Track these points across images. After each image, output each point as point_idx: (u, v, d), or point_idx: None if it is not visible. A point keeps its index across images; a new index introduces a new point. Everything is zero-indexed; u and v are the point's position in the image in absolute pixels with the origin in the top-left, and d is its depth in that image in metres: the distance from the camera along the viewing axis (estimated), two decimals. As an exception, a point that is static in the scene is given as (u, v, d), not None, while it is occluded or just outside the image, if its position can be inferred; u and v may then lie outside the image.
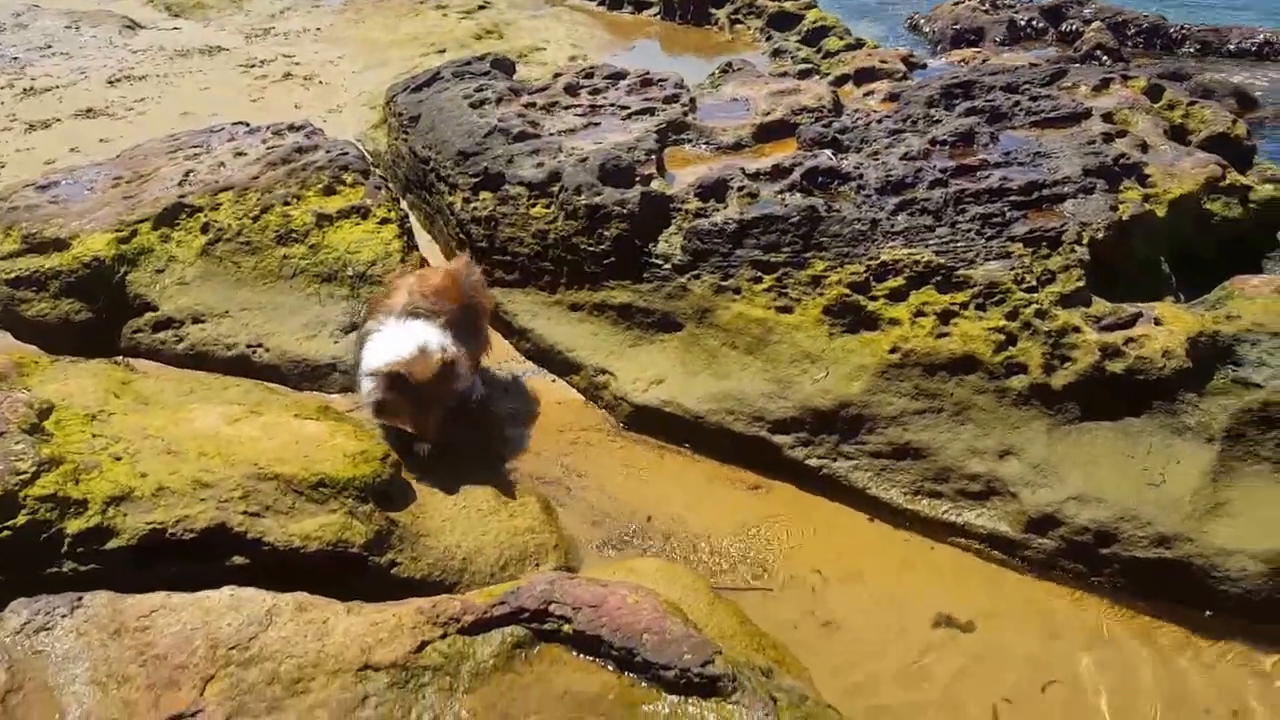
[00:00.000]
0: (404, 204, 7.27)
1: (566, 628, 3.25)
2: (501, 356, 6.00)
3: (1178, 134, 6.65)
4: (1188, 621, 4.10)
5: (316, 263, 6.22)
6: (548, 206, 6.02)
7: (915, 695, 3.82)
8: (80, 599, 3.37)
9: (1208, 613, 4.08)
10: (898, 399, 4.88)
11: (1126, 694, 3.80)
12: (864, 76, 7.94)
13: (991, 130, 6.22)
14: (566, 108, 7.24)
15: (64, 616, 3.31)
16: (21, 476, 3.78)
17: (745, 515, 4.79)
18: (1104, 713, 3.73)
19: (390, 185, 7.28)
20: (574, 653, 3.22)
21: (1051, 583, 4.35)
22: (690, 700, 3.01)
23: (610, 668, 3.17)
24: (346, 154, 7.01)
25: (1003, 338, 4.84)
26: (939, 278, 5.08)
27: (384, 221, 6.41)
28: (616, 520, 4.74)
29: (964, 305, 4.99)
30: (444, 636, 3.25)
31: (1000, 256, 5.12)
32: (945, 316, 4.99)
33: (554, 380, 5.82)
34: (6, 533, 3.67)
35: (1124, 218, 5.28)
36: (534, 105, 7.27)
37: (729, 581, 4.36)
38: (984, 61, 8.51)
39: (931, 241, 5.24)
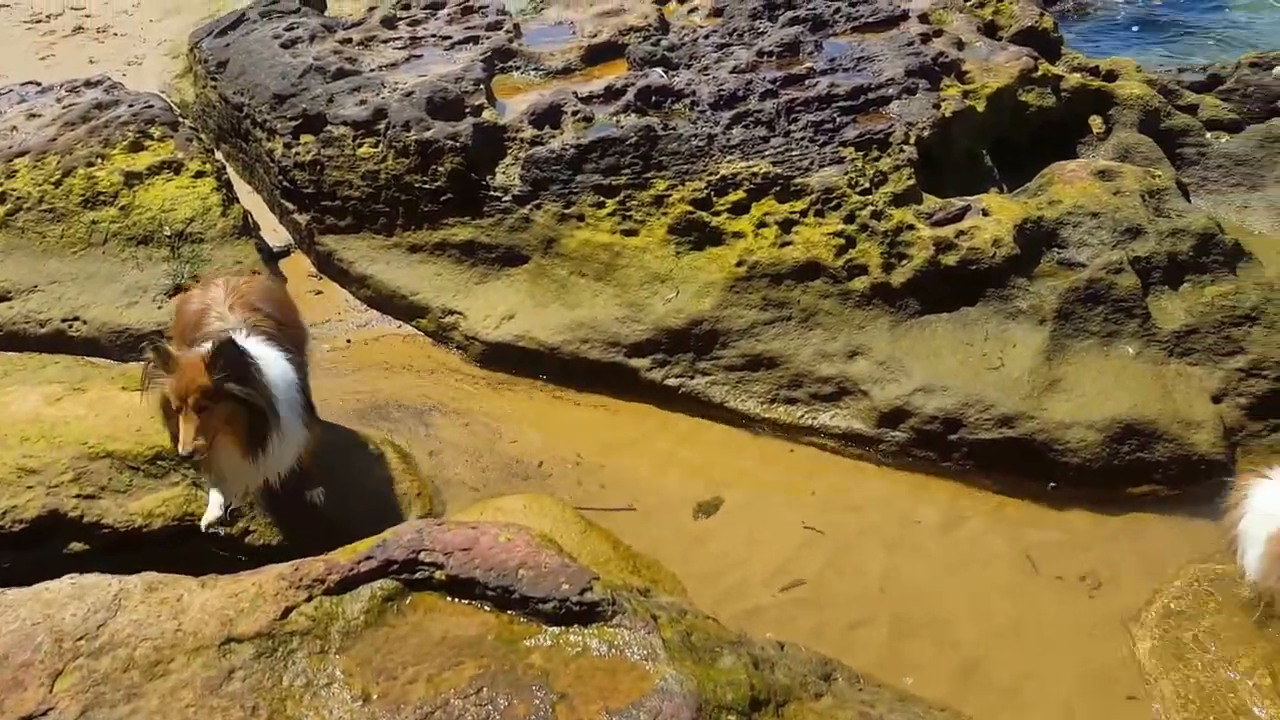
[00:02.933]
0: (219, 155, 6.80)
1: (439, 574, 3.17)
2: (341, 307, 5.75)
3: (990, 30, 6.88)
4: (1034, 495, 4.36)
5: (129, 225, 5.76)
6: (375, 145, 5.74)
7: (787, 594, 3.94)
8: (-104, 610, 3.07)
9: (1051, 485, 4.35)
10: (748, 311, 4.95)
11: (983, 568, 4.04)
12: (689, -10, 7.85)
13: (815, 38, 6.28)
14: (385, 41, 6.88)
15: (-121, 632, 3.01)
16: None
17: (609, 439, 4.81)
18: (965, 587, 3.95)
19: (203, 136, 6.80)
20: (449, 598, 3.15)
21: (906, 472, 4.56)
22: (572, 629, 3.00)
23: (488, 608, 3.12)
24: (152, 106, 6.48)
25: (843, 241, 4.96)
26: (778, 188, 5.14)
27: (199, 175, 5.98)
28: (482, 458, 4.66)
29: (803, 213, 5.07)
30: (309, 599, 3.12)
31: (834, 162, 5.22)
32: (786, 225, 5.06)
33: (400, 326, 5.63)
34: None
35: (947, 114, 5.45)
36: (350, 41, 6.88)
37: (599, 505, 4.36)
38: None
39: (768, 152, 5.28)
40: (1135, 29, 11.25)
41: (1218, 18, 11.60)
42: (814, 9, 6.74)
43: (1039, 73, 5.99)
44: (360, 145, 5.78)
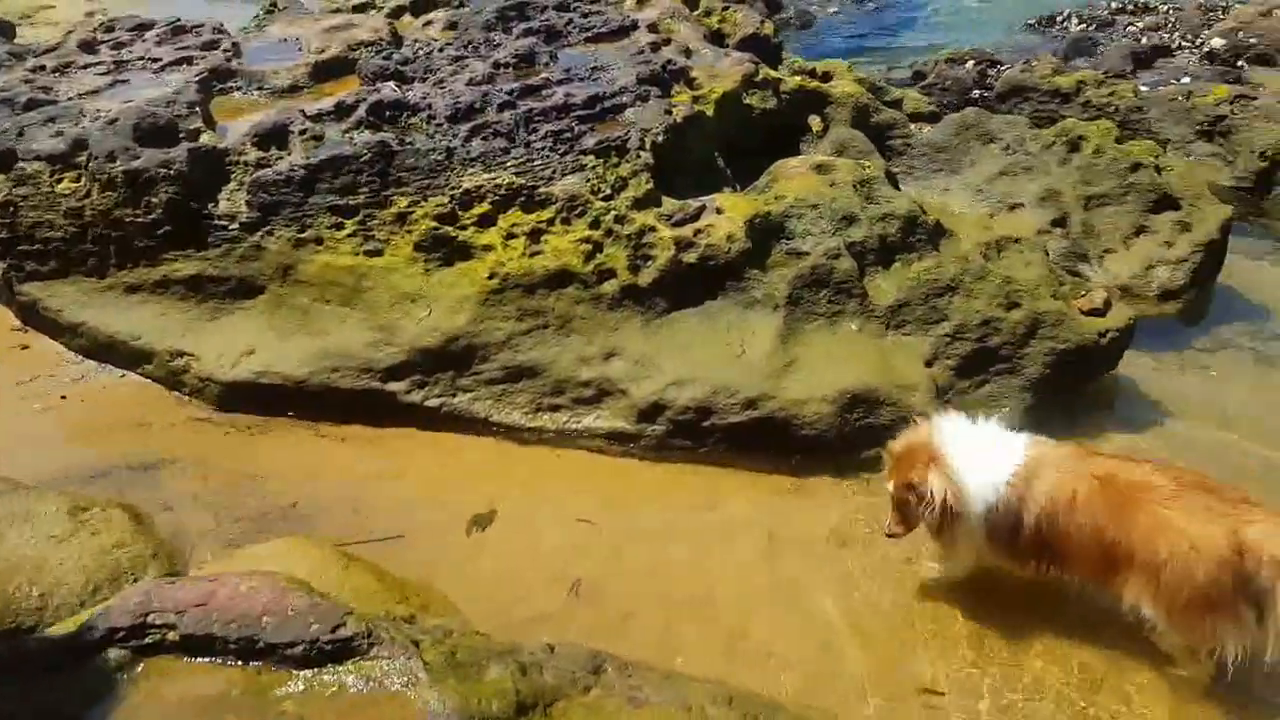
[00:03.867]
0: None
1: (171, 635, 2.91)
2: (53, 360, 5.19)
3: (716, 38, 7.21)
4: (783, 469, 4.58)
5: None
6: (77, 180, 5.23)
7: (565, 595, 3.92)
8: None
9: (796, 458, 4.60)
10: (505, 323, 4.91)
11: (740, 543, 4.20)
12: (420, 7, 7.73)
13: (550, 49, 6.34)
14: (85, 67, 6.31)
15: None
16: None
17: (372, 469, 4.62)
18: (725, 563, 4.09)
19: None
20: (185, 658, 2.90)
21: (668, 463, 4.66)
22: (325, 669, 2.84)
23: (232, 662, 2.90)
24: None
25: (590, 247, 5.01)
26: (523, 198, 5.13)
27: None
28: (230, 508, 4.33)
29: (550, 221, 5.09)
30: (23, 686, 2.78)
31: (576, 170, 5.27)
32: (535, 235, 5.06)
33: (124, 375, 5.15)
34: None
35: (679, 120, 5.63)
36: (43, 69, 6.26)
37: (363, 539, 4.16)
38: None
39: (509, 163, 5.26)
40: (852, 33, 12.21)
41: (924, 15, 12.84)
42: (547, 20, 6.80)
43: (760, 76, 6.32)
44: (59, 181, 5.25)
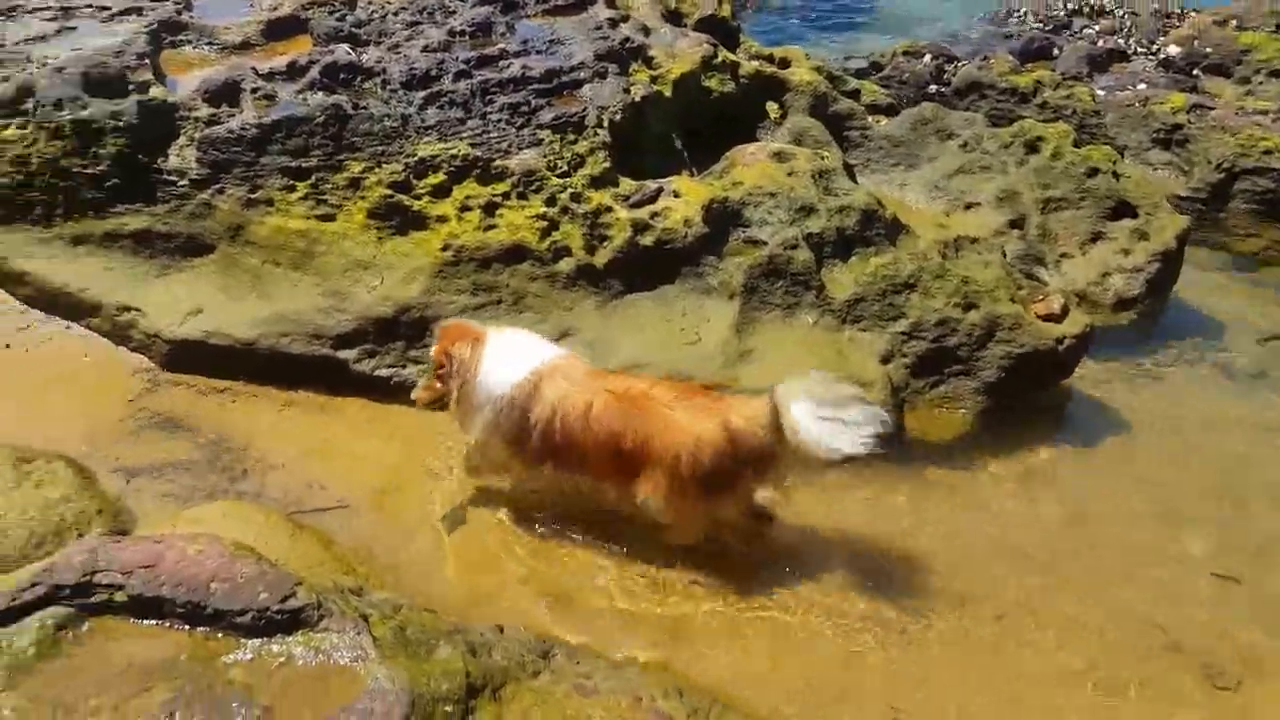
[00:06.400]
0: None
1: (119, 595, 2.92)
2: (-3, 308, 5.10)
3: (674, 17, 7.20)
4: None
5: None
6: (24, 127, 5.09)
7: (511, 571, 4.00)
8: None
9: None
10: (458, 296, 4.91)
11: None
12: (379, -33, 7.59)
13: (507, 19, 6.30)
14: (31, 12, 6.12)
15: None
16: None
17: (321, 437, 4.60)
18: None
19: None
20: (133, 620, 2.91)
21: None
22: (274, 639, 2.87)
23: (179, 627, 2.91)
24: None
25: (546, 224, 5.04)
26: (478, 170, 5.13)
27: None
28: (176, 469, 4.30)
29: (506, 195, 5.10)
30: (-36, 639, 2.77)
31: (533, 144, 5.28)
32: (490, 208, 5.07)
33: (69, 327, 5.06)
34: None
35: (636, 99, 5.67)
36: (-15, 7, 6.04)
37: (309, 507, 4.18)
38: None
39: (465, 134, 5.25)
40: (808, 19, 12.27)
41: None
42: (504, -12, 6.73)
43: (719, 59, 6.36)
44: (5, 128, 5.09)
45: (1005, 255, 5.50)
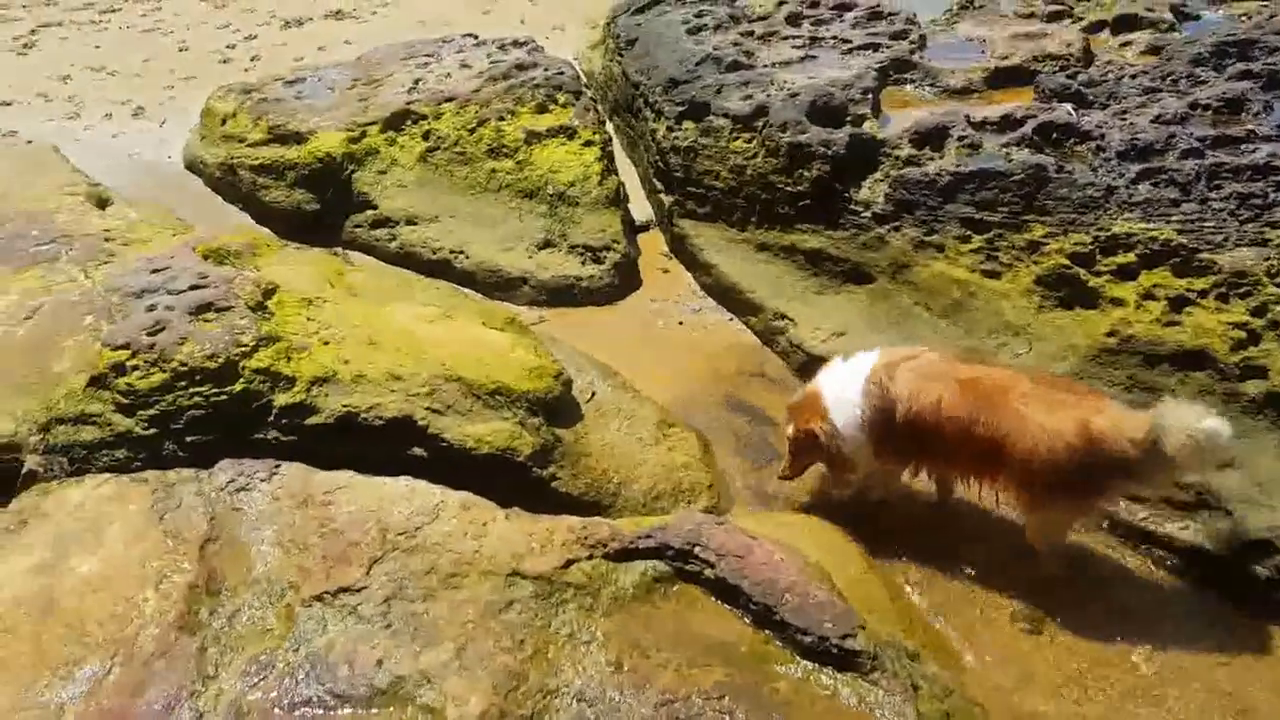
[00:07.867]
0: (610, 127, 7.26)
1: (709, 572, 3.21)
2: (682, 289, 5.95)
3: None
4: None
5: (521, 179, 6.36)
6: (750, 141, 5.83)
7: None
8: (278, 467, 3.65)
9: None
10: (1109, 386, 4.44)
11: None
12: (1123, 24, 7.10)
13: (1267, 98, 5.44)
14: (785, 38, 6.94)
15: (262, 481, 3.59)
16: (243, 349, 4.12)
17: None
18: None
19: (599, 107, 7.29)
20: (713, 598, 3.18)
21: None
22: (825, 670, 2.91)
23: (747, 620, 3.11)
24: (562, 74, 7.09)
25: (1243, 335, 4.29)
26: (1177, 259, 4.54)
27: (588, 144, 6.45)
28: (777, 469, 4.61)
29: (1203, 293, 4.44)
30: (590, 558, 3.29)
31: (1255, 243, 4.51)
32: (1178, 303, 4.47)
33: (730, 319, 5.70)
34: (224, 398, 4.01)
35: None
36: (752, 34, 7.02)
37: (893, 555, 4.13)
38: (1271, 18, 7.44)
39: (1175, 217, 4.68)
40: None
41: None
42: (1274, 64, 5.83)
43: None
44: (736, 139, 5.90)
45: None
